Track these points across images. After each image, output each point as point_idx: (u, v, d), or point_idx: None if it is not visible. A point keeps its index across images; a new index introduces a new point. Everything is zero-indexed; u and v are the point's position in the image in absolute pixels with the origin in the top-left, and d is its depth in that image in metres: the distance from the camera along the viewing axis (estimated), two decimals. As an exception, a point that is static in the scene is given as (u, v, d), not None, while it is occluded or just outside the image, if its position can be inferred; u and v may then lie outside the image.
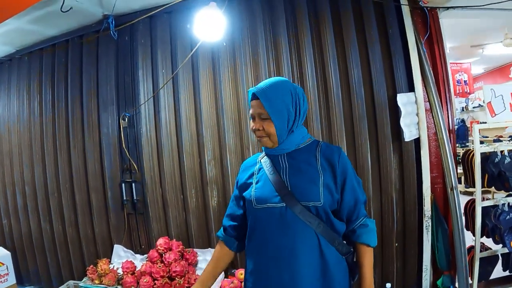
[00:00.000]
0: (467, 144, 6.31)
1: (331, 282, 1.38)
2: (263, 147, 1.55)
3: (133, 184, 3.22)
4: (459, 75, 6.31)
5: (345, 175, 1.43)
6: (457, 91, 6.26)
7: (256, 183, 1.48)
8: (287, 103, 1.40)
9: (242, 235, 1.56)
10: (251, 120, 1.48)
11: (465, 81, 6.32)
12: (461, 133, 6.31)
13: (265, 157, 1.52)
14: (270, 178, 1.44)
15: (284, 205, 1.37)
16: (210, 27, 2.62)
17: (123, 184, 3.25)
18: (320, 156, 1.45)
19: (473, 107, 8.23)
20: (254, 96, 1.43)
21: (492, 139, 5.71)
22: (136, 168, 3.20)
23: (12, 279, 3.68)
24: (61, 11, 2.80)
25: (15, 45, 3.70)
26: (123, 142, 3.22)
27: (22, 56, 3.79)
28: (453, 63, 6.14)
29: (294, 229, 1.36)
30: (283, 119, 1.40)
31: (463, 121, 6.97)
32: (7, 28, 3.13)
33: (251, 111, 1.46)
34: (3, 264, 3.60)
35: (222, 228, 1.66)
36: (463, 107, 8.59)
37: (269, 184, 1.43)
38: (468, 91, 6.37)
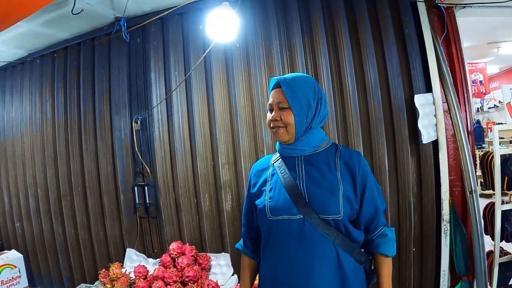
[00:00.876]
0: (483, 145, 6.21)
1: None
2: (277, 148, 1.48)
3: (146, 188, 3.20)
4: (475, 75, 6.21)
5: (365, 183, 1.38)
6: (473, 92, 6.15)
7: (270, 190, 1.41)
8: (308, 96, 1.35)
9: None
10: (268, 113, 1.42)
11: (480, 81, 6.21)
12: (476, 135, 6.21)
13: (280, 160, 1.45)
14: (285, 186, 1.37)
15: (302, 217, 1.31)
16: (223, 27, 2.58)
17: (135, 188, 3.24)
18: (340, 163, 1.39)
19: (489, 108, 8.10)
20: (275, 86, 1.39)
21: (509, 140, 5.62)
22: (149, 172, 3.19)
23: (24, 282, 3.69)
24: (72, 13, 2.80)
25: (27, 49, 3.72)
26: (136, 145, 3.21)
27: (34, 59, 3.81)
28: (468, 63, 6.01)
29: (311, 242, 1.31)
30: (303, 111, 1.35)
31: (478, 122, 6.87)
32: (19, 31, 3.16)
33: (269, 101, 1.41)
34: (15, 267, 3.61)
35: (242, 240, 1.66)
36: (478, 108, 8.45)
37: (284, 193, 1.36)
38: (484, 92, 6.26)
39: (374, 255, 1.44)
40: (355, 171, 1.37)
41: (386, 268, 1.42)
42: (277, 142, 1.48)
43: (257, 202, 1.43)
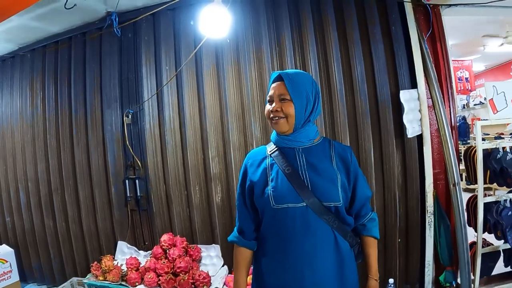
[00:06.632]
0: (468, 141, 6.34)
1: (346, 273, 1.44)
2: (273, 139, 1.52)
3: (137, 181, 3.23)
4: (460, 72, 6.30)
5: (356, 173, 1.49)
6: (459, 89, 6.25)
7: (271, 180, 1.44)
8: (307, 90, 1.42)
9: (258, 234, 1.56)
10: (267, 104, 1.47)
11: (466, 79, 6.31)
12: (462, 131, 6.33)
13: (276, 151, 1.49)
14: (287, 176, 1.42)
15: (305, 205, 1.38)
16: (214, 23, 2.61)
17: (126, 181, 3.26)
18: (335, 155, 1.48)
19: (474, 105, 8.23)
20: (276, 79, 1.45)
21: (493, 136, 5.73)
22: (140, 165, 3.21)
23: (15, 277, 3.69)
24: (65, 8, 2.81)
25: (18, 42, 3.70)
26: (127, 139, 3.23)
27: (25, 53, 3.78)
28: (454, 60, 6.07)
29: (315, 228, 1.38)
30: (303, 103, 1.41)
31: (464, 118, 7.00)
32: (10, 25, 3.13)
33: (270, 93, 1.46)
34: (6, 261, 3.60)
35: (237, 232, 1.59)
36: (464, 105, 8.58)
37: (286, 183, 1.41)
38: (470, 89, 6.36)
39: (365, 238, 1.55)
40: (349, 163, 1.48)
41: (374, 249, 1.55)
42: (273, 134, 1.54)
43: (258, 191, 1.47)
